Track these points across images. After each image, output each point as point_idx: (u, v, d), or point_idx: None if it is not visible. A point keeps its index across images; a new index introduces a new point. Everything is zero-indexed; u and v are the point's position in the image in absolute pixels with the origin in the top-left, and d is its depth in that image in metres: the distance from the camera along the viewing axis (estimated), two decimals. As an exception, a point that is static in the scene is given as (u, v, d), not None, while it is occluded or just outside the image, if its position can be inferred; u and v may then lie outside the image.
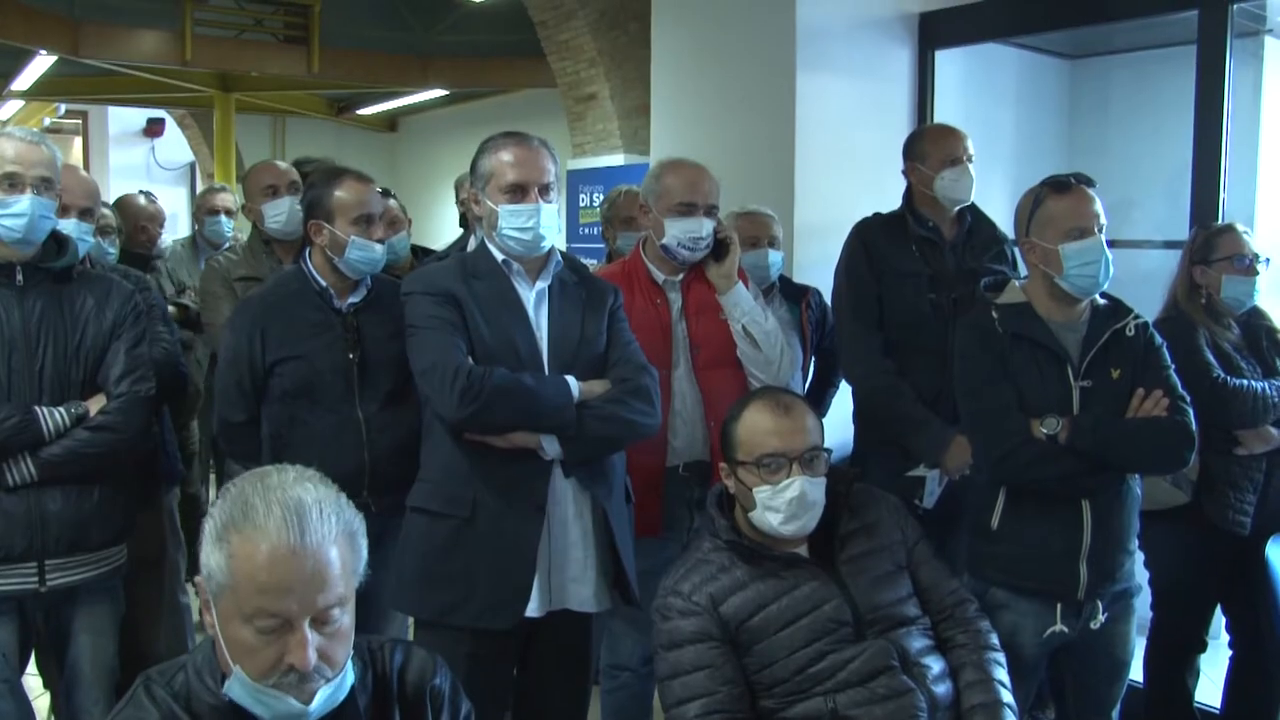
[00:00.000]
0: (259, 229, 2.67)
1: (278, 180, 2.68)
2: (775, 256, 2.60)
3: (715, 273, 2.19)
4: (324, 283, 2.07)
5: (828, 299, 2.69)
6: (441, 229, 3.42)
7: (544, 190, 1.81)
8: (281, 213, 2.63)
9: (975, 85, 3.26)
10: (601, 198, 4.14)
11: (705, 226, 2.14)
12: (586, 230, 5.01)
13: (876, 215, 2.46)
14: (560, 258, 1.89)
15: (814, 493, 1.58)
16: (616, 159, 5.12)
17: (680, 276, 2.22)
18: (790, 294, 2.67)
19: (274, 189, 2.66)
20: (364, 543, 1.10)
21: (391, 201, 3.01)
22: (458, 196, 3.26)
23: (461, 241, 2.97)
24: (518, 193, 1.80)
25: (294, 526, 1.04)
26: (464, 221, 3.71)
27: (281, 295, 2.05)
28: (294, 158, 3.28)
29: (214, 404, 2.11)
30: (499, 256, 1.85)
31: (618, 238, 3.11)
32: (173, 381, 2.28)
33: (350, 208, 2.06)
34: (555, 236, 1.84)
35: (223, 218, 3.74)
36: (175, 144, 10.66)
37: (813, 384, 2.79)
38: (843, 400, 2.69)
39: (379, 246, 2.05)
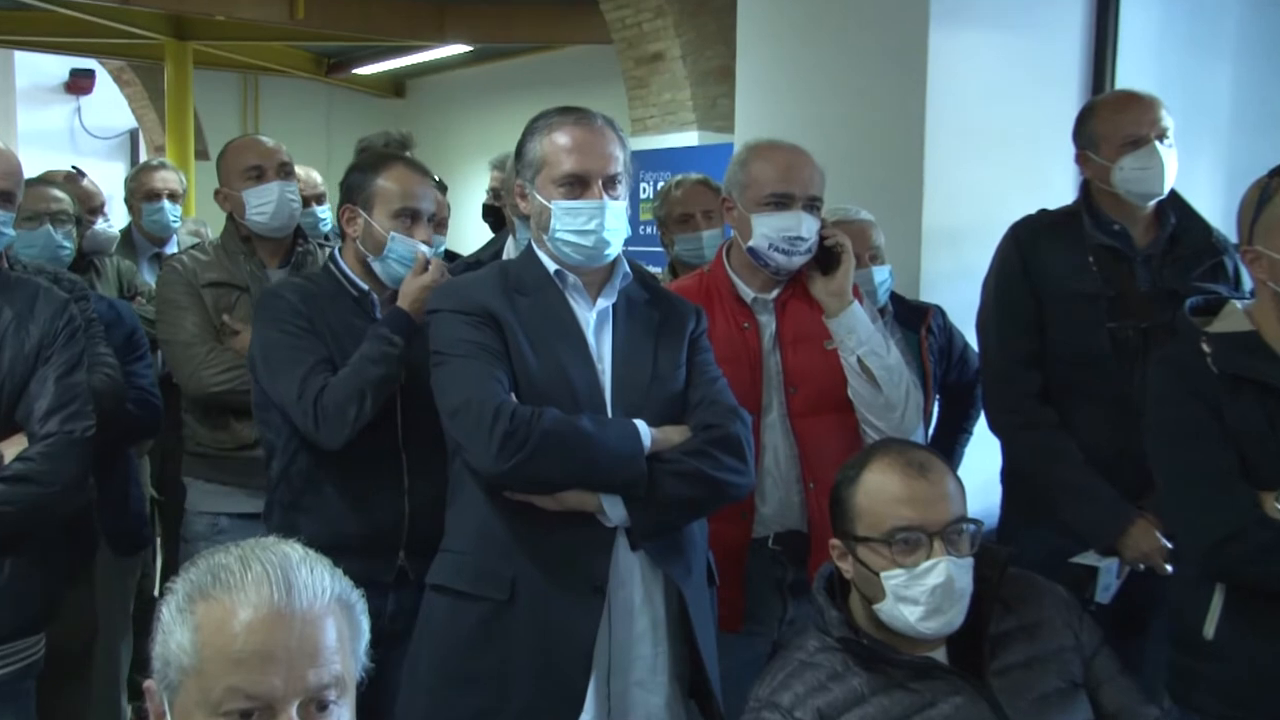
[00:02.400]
0: (236, 222, 2.77)
1: (264, 160, 2.76)
2: (880, 274, 2.63)
3: (822, 288, 2.24)
4: (364, 285, 2.21)
5: (956, 319, 2.71)
6: (463, 225, 3.53)
7: (610, 183, 1.88)
8: (268, 202, 2.71)
9: (1177, 37, 3.18)
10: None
11: (805, 224, 2.19)
12: (647, 230, 5.10)
13: (1041, 214, 2.44)
14: (629, 269, 1.96)
15: (962, 579, 1.59)
16: (688, 137, 5.20)
17: (775, 294, 2.27)
18: (906, 318, 2.69)
19: (259, 171, 2.74)
20: (365, 621, 1.14)
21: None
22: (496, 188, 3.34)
23: (497, 244, 3.07)
24: (577, 186, 1.87)
25: (278, 583, 1.07)
26: (488, 215, 3.83)
27: (311, 294, 2.18)
28: (363, 136, 3.39)
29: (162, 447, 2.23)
30: (550, 266, 1.92)
31: (675, 242, 3.19)
32: (118, 418, 2.39)
33: (393, 198, 2.18)
34: (623, 242, 1.92)
35: (165, 204, 3.76)
36: (109, 105, 10.80)
37: (938, 432, 2.81)
38: (980, 453, 2.69)
39: (425, 249, 2.17)
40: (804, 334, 2.23)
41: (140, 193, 3.81)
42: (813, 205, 2.21)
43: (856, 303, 2.22)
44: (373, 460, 2.11)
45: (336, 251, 2.30)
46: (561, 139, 1.88)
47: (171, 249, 3.86)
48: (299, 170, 3.93)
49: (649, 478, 1.78)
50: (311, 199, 3.84)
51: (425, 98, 11.01)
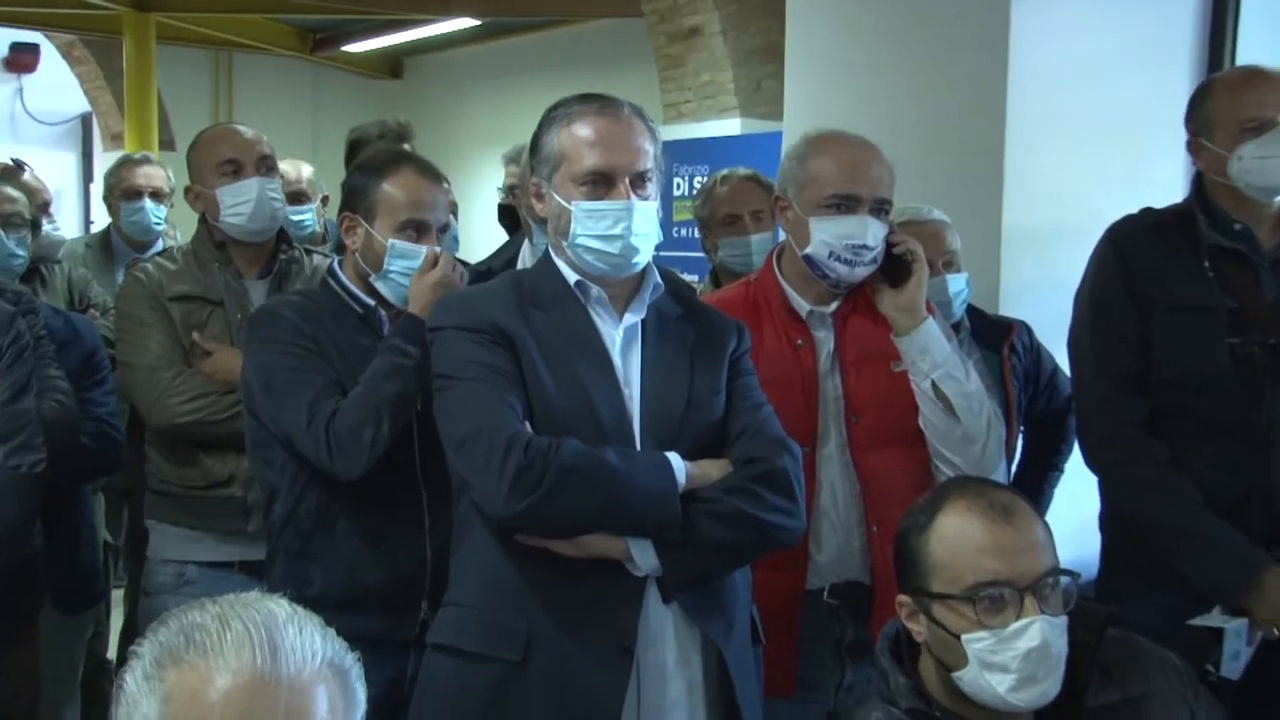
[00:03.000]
0: (209, 224, 2.83)
1: (242, 153, 2.82)
2: (955, 283, 2.65)
3: (891, 302, 2.27)
4: (370, 301, 2.29)
5: (1044, 336, 2.73)
6: (471, 229, 3.58)
7: (638, 181, 1.93)
8: (246, 201, 2.76)
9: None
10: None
11: (871, 231, 2.23)
12: (681, 232, 5.15)
13: (1146, 214, 2.45)
14: (660, 279, 2.00)
15: (1058, 641, 1.60)
16: (729, 125, 5.25)
17: (833, 307, 2.31)
18: (986, 335, 2.70)
19: (235, 166, 2.80)
20: (362, 690, 1.15)
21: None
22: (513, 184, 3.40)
23: (511, 250, 3.13)
24: (600, 184, 1.92)
25: (261, 645, 1.07)
26: (504, 216, 3.89)
27: (311, 312, 2.25)
28: (355, 125, 3.47)
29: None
30: (570, 277, 1.97)
31: (719, 247, 3.24)
32: (71, 452, 2.45)
33: (399, 207, 2.26)
34: (653, 248, 1.96)
35: (146, 203, 3.82)
36: (57, 86, 10.92)
37: (1024, 469, 2.83)
38: (1073, 494, 2.70)
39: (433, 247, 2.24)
40: (868, 353, 2.27)
41: (119, 190, 3.87)
42: (880, 209, 2.25)
43: (931, 318, 2.25)
44: (390, 496, 2.18)
45: (336, 264, 2.37)
46: (583, 131, 1.93)
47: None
48: (285, 165, 4.00)
49: (684, 519, 1.81)
50: (299, 195, 3.92)
51: (426, 79, 11.13)
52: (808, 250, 2.26)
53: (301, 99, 11.41)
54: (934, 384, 2.21)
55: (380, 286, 2.29)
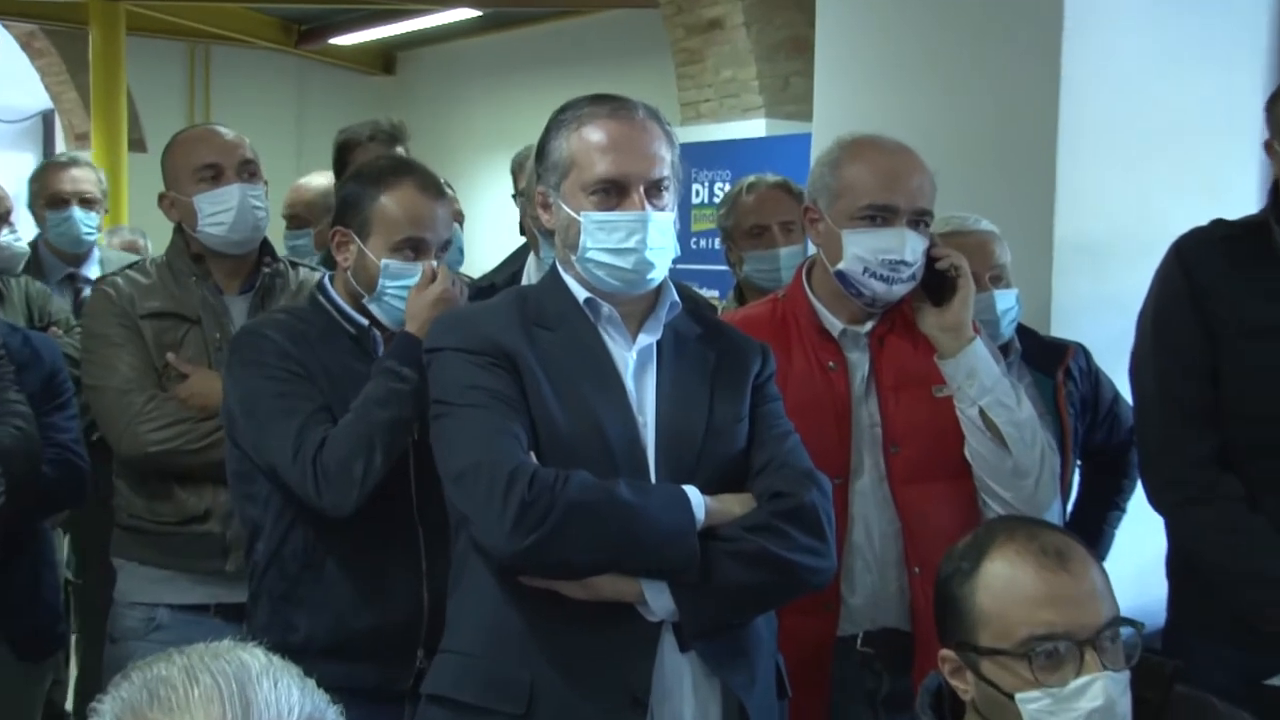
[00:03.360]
0: (186, 235, 2.86)
1: (222, 156, 2.85)
2: (1004, 300, 2.65)
3: (934, 322, 2.29)
4: (363, 320, 2.32)
5: (1102, 360, 2.73)
6: (470, 238, 3.61)
7: (654, 189, 1.96)
8: (227, 209, 2.80)
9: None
10: (727, 190, 4.25)
11: (909, 245, 2.25)
12: (700, 243, 5.16)
13: (1216, 225, 2.44)
14: (677, 297, 2.03)
15: (1122, 700, 1.60)
16: (753, 126, 5.28)
17: (869, 326, 2.33)
18: (1039, 359, 2.71)
19: (215, 171, 2.83)
20: None
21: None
22: (516, 188, 3.43)
23: (515, 264, 3.16)
24: (613, 193, 1.95)
25: (232, 700, 1.07)
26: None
27: (299, 332, 2.28)
28: (343, 126, 3.52)
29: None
30: (580, 293, 2.00)
31: (744, 260, 3.27)
32: (31, 483, 2.46)
33: (397, 225, 2.29)
34: (669, 263, 1.99)
35: (74, 211, 3.74)
36: (16, 80, 11.03)
37: (1081, 507, 2.82)
38: (1135, 535, 2.70)
39: (429, 263, 2.27)
40: (908, 377, 2.29)
41: (44, 197, 3.84)
42: (920, 220, 2.28)
43: (978, 339, 2.27)
44: (384, 534, 2.20)
45: (327, 280, 2.40)
46: (594, 135, 1.96)
47: (91, 268, 3.92)
48: (305, 182, 4.00)
49: (703, 559, 1.82)
50: (297, 219, 3.96)
51: (421, 76, 11.22)
52: (840, 266, 2.28)
53: (285, 97, 11.53)
54: (981, 411, 2.23)
55: (374, 309, 2.32)
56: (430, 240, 2.30)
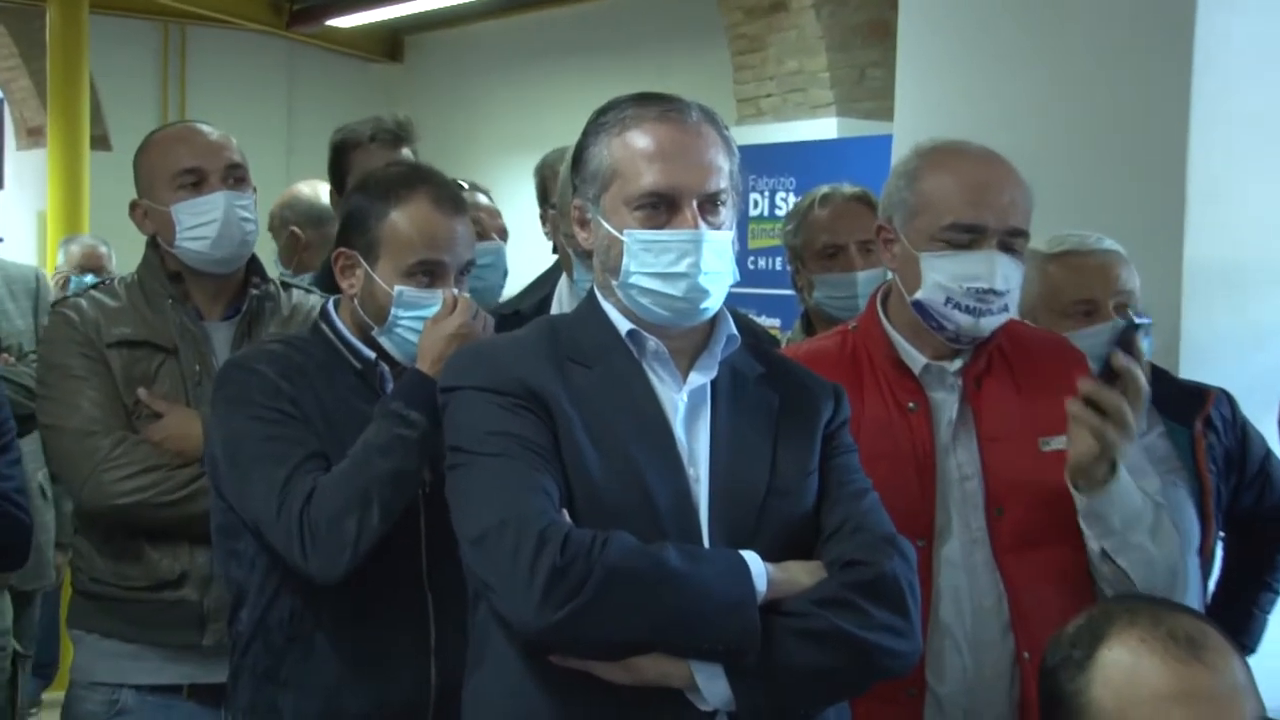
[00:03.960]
0: (161, 250, 2.89)
1: (205, 160, 2.89)
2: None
3: (1081, 448, 2.18)
4: (369, 353, 2.36)
5: (1249, 409, 2.72)
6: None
7: (710, 204, 1.99)
8: (209, 220, 2.82)
9: None
10: (793, 202, 4.26)
11: (1000, 270, 2.27)
12: (759, 263, 5.18)
13: None
14: (735, 329, 2.05)
15: None
16: (822, 126, 5.31)
17: (958, 363, 2.35)
18: (1174, 405, 2.69)
19: (197, 177, 2.86)
20: None
21: (481, 198, 3.33)
22: (545, 199, 3.45)
23: (544, 289, 3.19)
24: (661, 209, 1.97)
25: None
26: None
27: (295, 366, 2.31)
28: (343, 124, 3.59)
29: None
30: (621, 325, 2.02)
31: (814, 285, 3.29)
32: None
33: (409, 246, 2.33)
34: (726, 289, 2.01)
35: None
36: None
37: (1224, 583, 2.82)
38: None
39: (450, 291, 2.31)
40: (1011, 425, 2.30)
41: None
42: (1012, 243, 2.29)
43: (1118, 481, 2.21)
44: (387, 603, 2.23)
45: (331, 306, 2.44)
46: (640, 141, 1.98)
47: None
48: (304, 186, 4.05)
49: (764, 638, 1.82)
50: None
51: (433, 64, 11.26)
52: (918, 295, 2.30)
53: (274, 87, 11.61)
54: (1104, 550, 2.22)
55: (385, 343, 2.36)
56: (449, 263, 2.34)
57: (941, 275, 2.27)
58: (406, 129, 3.59)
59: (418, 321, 2.31)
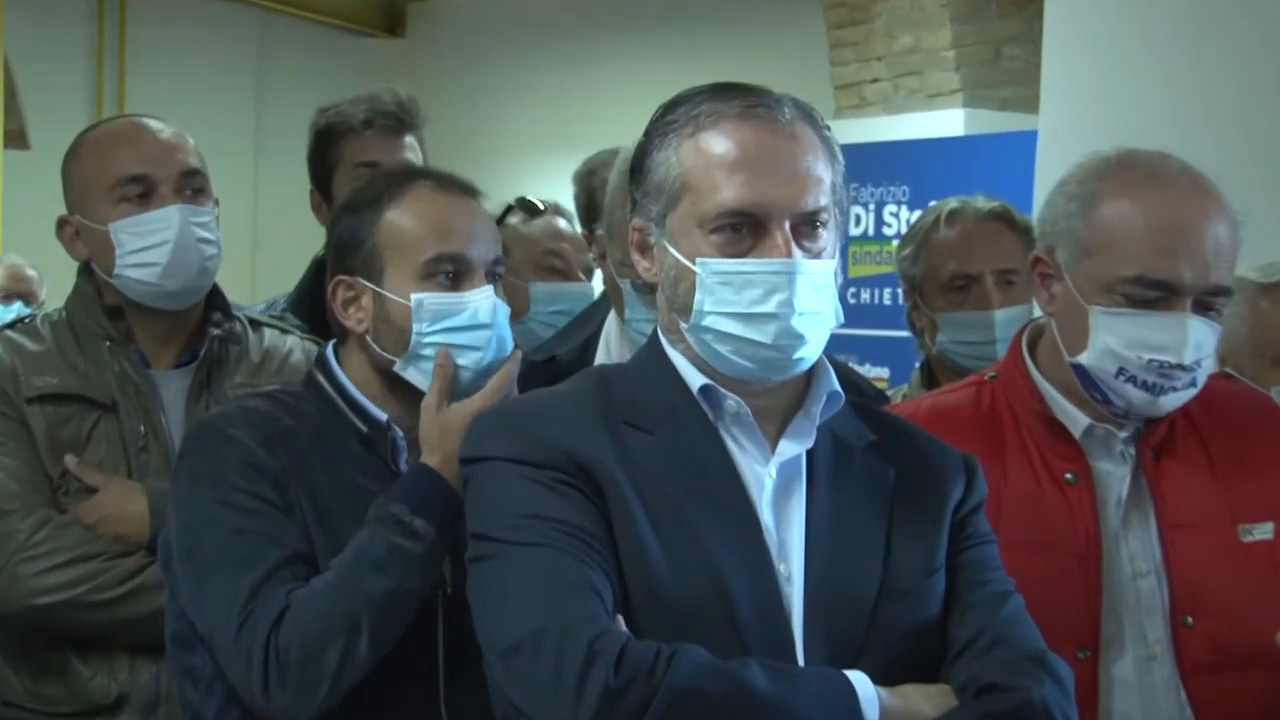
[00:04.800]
0: (97, 279, 2.93)
1: (153, 165, 2.91)
2: None
3: None
4: (380, 415, 2.37)
5: None
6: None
7: (806, 226, 1.98)
8: (160, 242, 2.84)
9: None
10: (907, 218, 4.28)
11: (1194, 338, 2.26)
12: (862, 296, 5.20)
13: None
14: (837, 384, 2.04)
15: None
16: (946, 120, 5.36)
17: (1128, 430, 2.35)
18: None
19: (144, 186, 2.88)
20: None
21: (561, 222, 3.45)
22: (588, 218, 3.50)
23: (586, 329, 3.20)
24: (745, 231, 1.97)
25: None
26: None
27: (283, 430, 2.32)
28: (328, 104, 3.64)
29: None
30: (693, 379, 2.03)
31: (938, 326, 3.29)
32: None
33: (419, 241, 2.35)
34: (828, 335, 2.01)
35: None
36: None
37: None
38: None
39: (487, 339, 2.33)
40: (1200, 509, 2.29)
41: None
42: (1212, 303, 2.28)
43: None
44: None
45: (330, 353, 2.44)
46: (717, 145, 1.98)
47: None
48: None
49: None
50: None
51: (441, 38, 11.41)
52: (1082, 358, 2.30)
53: (240, 69, 11.70)
54: None
55: (413, 376, 2.35)
56: (472, 257, 2.35)
57: (1116, 339, 2.26)
58: (410, 111, 3.62)
59: (449, 336, 2.32)
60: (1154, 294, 2.24)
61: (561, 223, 3.80)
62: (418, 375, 2.35)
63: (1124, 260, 2.26)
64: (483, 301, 2.34)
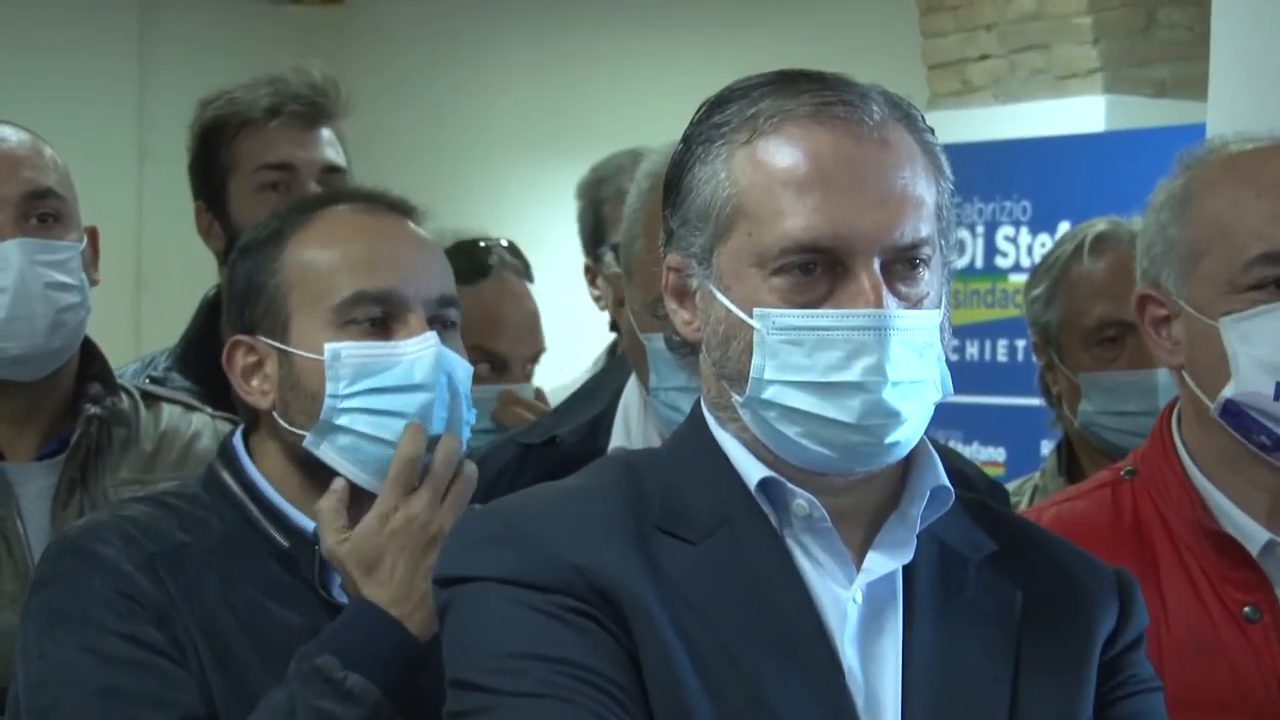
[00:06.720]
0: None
1: None
2: None
3: None
4: (304, 522, 2.39)
5: None
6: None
7: (902, 265, 2.01)
8: None
9: None
10: (1033, 247, 4.37)
11: None
12: (970, 350, 5.28)
13: None
14: (945, 477, 2.06)
15: None
16: (1083, 110, 5.43)
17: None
18: None
19: None
20: None
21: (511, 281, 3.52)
22: (592, 242, 3.60)
23: (600, 401, 3.24)
24: (819, 273, 2.00)
25: None
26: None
27: (172, 548, 2.34)
28: (221, 90, 3.71)
29: None
30: (751, 471, 2.05)
31: (1081, 392, 3.35)
32: None
33: (330, 278, 2.38)
34: (931, 410, 2.03)
35: None
36: None
37: None
38: None
39: (425, 405, 2.35)
40: None
41: None
42: None
43: None
44: None
45: (238, 440, 2.47)
46: (781, 155, 2.02)
47: None
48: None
49: None
50: None
51: (393, 6, 11.48)
52: (1227, 392, 2.32)
53: (117, 47, 11.78)
54: None
55: (329, 456, 2.37)
56: (407, 295, 2.36)
57: (1264, 346, 2.30)
58: (327, 94, 3.66)
59: (375, 399, 2.32)
60: None
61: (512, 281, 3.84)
62: (333, 454, 2.36)
63: (1243, 241, 2.33)
64: (422, 353, 2.33)
